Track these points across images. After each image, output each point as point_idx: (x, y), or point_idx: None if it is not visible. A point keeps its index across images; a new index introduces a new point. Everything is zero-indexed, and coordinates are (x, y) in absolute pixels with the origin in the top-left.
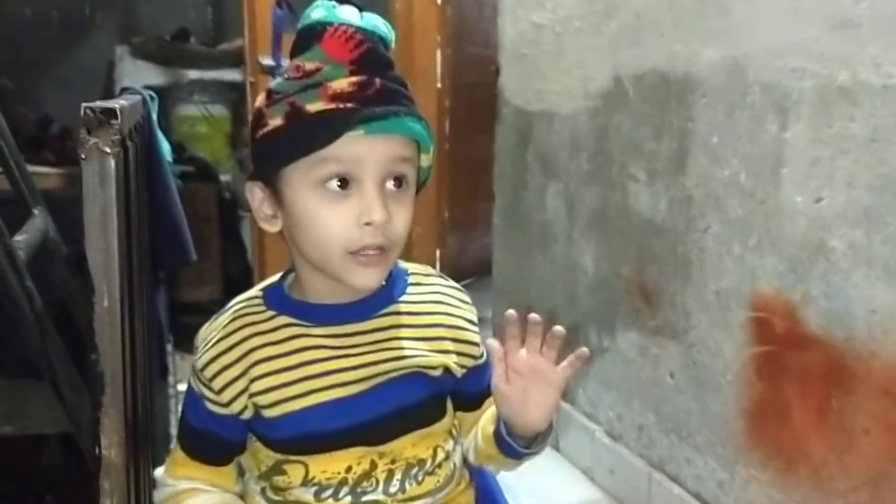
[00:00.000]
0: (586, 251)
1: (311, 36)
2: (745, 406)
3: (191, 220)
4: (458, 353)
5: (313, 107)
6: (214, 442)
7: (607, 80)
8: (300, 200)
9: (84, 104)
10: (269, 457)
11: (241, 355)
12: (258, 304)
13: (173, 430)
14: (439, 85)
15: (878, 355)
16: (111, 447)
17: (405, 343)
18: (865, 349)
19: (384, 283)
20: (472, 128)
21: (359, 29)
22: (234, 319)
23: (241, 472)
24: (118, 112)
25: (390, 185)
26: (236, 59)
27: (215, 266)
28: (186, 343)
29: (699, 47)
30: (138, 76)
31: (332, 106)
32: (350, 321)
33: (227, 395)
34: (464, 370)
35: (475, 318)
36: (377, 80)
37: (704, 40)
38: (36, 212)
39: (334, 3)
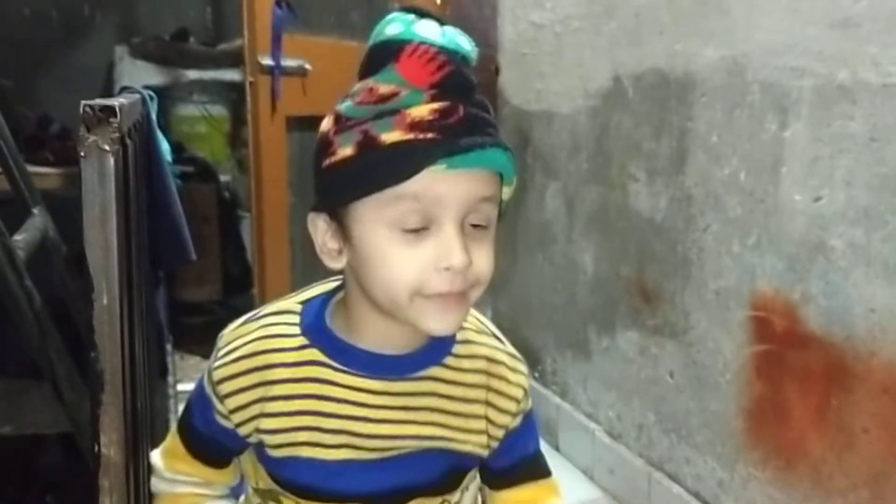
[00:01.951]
0: (586, 251)
1: (385, 54)
2: (745, 405)
3: (190, 219)
4: (490, 436)
5: (389, 137)
6: (216, 447)
7: (607, 80)
8: (371, 239)
9: (83, 101)
10: (267, 480)
11: (259, 382)
12: (293, 325)
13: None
14: None
15: (878, 354)
16: (111, 445)
17: (434, 417)
18: (865, 348)
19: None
20: None
21: (441, 49)
22: (262, 338)
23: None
24: (117, 110)
25: (469, 226)
26: (236, 59)
27: (215, 266)
28: (186, 343)
29: (699, 47)
30: (138, 76)
31: (411, 136)
32: (383, 377)
33: (237, 418)
34: (491, 450)
35: (523, 393)
36: (460, 108)
37: (704, 39)
38: (35, 211)
39: (413, 16)
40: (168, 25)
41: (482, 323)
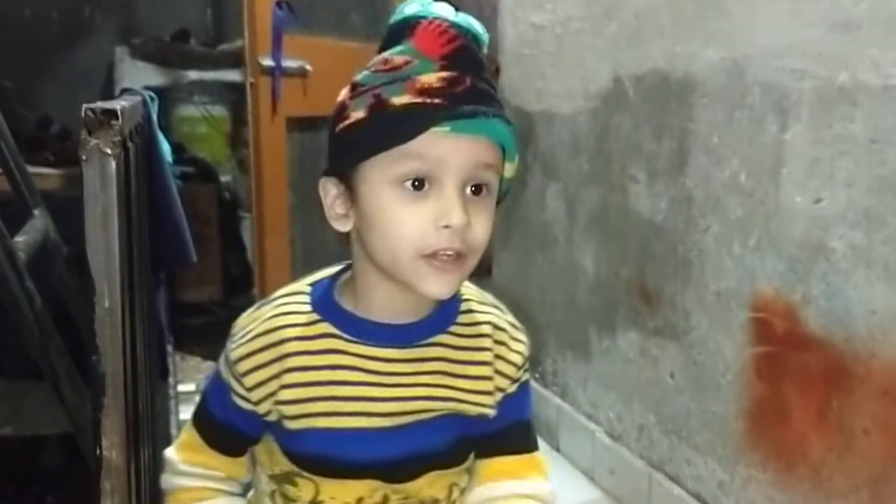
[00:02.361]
0: (586, 252)
1: (402, 30)
2: (746, 406)
3: (191, 220)
4: (495, 399)
5: (399, 100)
6: (234, 434)
7: (607, 81)
8: (376, 198)
9: (85, 105)
10: (283, 462)
11: (276, 357)
12: (303, 304)
13: (174, 431)
14: None
15: (878, 356)
16: (112, 448)
17: (445, 380)
18: (865, 349)
19: (445, 301)
20: None
21: (453, 24)
22: (275, 316)
23: (252, 461)
24: (119, 113)
25: (469, 191)
26: (236, 60)
27: (215, 266)
28: (187, 343)
29: (699, 48)
30: (138, 77)
31: (419, 100)
32: (393, 345)
33: (256, 395)
34: (493, 411)
35: (523, 360)
36: (467, 79)
37: (704, 41)
38: (36, 212)
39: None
40: (168, 26)
41: (483, 295)
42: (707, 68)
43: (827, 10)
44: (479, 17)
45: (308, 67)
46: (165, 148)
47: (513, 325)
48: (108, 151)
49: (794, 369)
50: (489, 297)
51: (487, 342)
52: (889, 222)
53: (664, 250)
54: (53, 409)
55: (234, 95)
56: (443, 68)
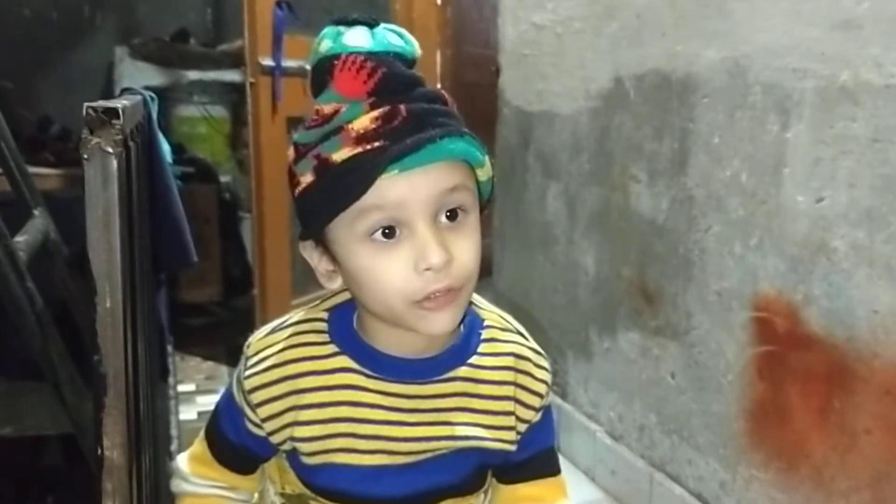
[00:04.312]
0: (587, 252)
1: (323, 73)
2: (747, 406)
3: (191, 221)
4: (518, 431)
5: (339, 155)
6: (245, 454)
7: (608, 81)
8: (351, 256)
9: (86, 104)
10: (295, 483)
11: (290, 391)
12: (321, 333)
13: (174, 431)
14: (439, 85)
15: (880, 355)
16: (114, 448)
17: (465, 417)
18: (867, 349)
19: (460, 328)
20: (472, 128)
21: (369, 55)
22: (291, 347)
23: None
24: (120, 112)
25: (443, 218)
26: (236, 60)
27: (215, 267)
28: (187, 344)
29: (700, 48)
30: (138, 77)
31: (359, 150)
32: (413, 381)
33: (269, 426)
34: (516, 445)
35: (546, 388)
36: (402, 108)
37: (705, 41)
38: (36, 213)
39: (341, 27)
40: (168, 26)
41: (506, 321)
42: (708, 68)
43: (828, 10)
44: (479, 18)
45: (308, 68)
46: (165, 148)
47: (536, 353)
48: (110, 150)
49: (796, 369)
50: (512, 322)
51: (510, 375)
52: (891, 222)
53: (665, 250)
54: (54, 410)
55: (234, 95)
56: (373, 106)
